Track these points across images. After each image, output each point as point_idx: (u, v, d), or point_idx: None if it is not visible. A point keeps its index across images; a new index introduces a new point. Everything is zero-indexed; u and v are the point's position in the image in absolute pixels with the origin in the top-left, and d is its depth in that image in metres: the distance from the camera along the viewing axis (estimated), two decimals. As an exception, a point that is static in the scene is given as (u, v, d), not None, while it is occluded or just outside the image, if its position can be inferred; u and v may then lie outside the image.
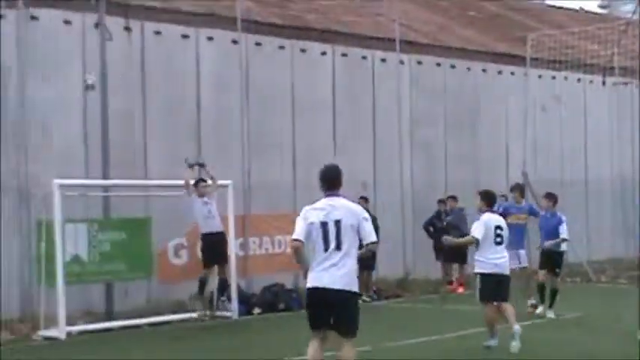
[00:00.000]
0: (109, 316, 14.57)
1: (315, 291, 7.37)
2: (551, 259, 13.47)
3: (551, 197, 13.79)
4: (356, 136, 18.97)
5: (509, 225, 11.19)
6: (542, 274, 13.64)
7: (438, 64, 20.90)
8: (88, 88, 14.77)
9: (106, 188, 14.83)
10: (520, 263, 13.64)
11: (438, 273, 19.06)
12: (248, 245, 16.20)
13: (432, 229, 18.79)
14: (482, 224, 10.44)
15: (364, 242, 7.43)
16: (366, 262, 17.18)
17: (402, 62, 19.86)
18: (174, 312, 14.94)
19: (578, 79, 23.92)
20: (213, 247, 14.11)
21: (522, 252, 13.79)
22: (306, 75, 18.24)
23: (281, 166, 17.73)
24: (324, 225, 7.35)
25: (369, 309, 16.22)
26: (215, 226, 14.16)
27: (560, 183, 22.88)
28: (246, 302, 15.37)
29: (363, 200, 17.53)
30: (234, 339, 12.68)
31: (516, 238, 13.19)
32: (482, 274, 10.53)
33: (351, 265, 7.38)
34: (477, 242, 10.42)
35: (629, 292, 14.24)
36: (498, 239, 10.54)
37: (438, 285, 18.73)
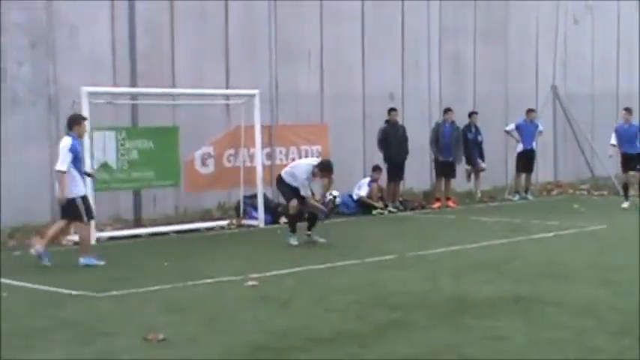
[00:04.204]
0: (138, 223, 14.79)
1: None
2: (634, 160, 16.87)
3: (629, 110, 17.17)
4: (384, 46, 18.75)
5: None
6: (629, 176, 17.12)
7: (469, -26, 20.49)
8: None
9: (134, 97, 14.86)
10: None
11: (463, 185, 19.16)
12: (275, 155, 16.26)
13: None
14: None
15: None
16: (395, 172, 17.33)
17: (431, -29, 19.51)
18: (202, 220, 15.15)
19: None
20: None
21: None
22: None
23: (308, 75, 17.62)
24: None
25: (395, 219, 16.34)
26: None
27: (590, 97, 22.64)
28: (273, 211, 15.49)
29: (394, 111, 17.55)
30: (257, 247, 12.83)
31: None
32: None
33: None
34: None
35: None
36: None
37: (463, 197, 18.85)
